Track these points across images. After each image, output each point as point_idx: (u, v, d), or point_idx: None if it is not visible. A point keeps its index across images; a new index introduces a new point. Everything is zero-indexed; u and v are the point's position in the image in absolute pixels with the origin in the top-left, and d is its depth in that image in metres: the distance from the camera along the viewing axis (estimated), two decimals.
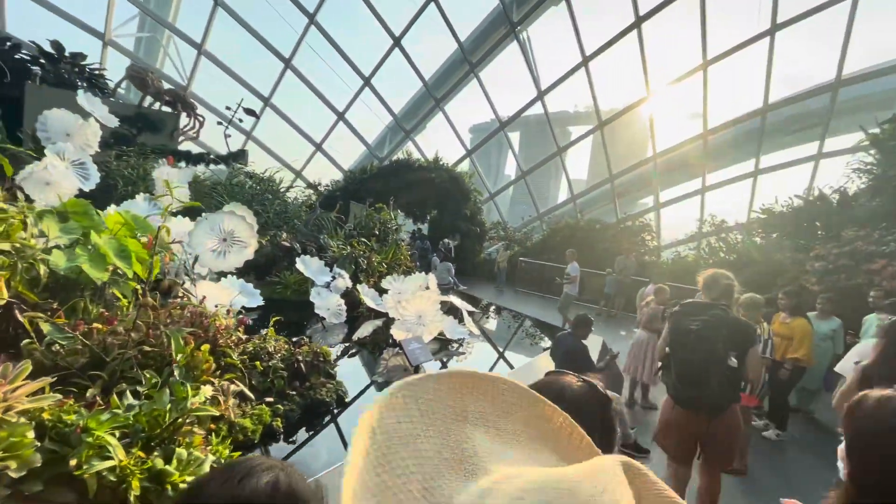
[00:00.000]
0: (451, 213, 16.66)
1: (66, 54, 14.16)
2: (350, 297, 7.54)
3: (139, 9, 15.32)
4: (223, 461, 2.34)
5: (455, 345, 6.34)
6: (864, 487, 0.94)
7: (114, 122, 6.20)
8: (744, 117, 16.47)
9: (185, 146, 13.69)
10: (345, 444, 3.33)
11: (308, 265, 7.28)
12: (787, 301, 4.94)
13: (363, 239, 8.95)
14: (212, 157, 11.40)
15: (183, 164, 10.99)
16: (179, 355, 2.93)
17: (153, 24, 16.85)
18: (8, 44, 13.63)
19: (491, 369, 5.74)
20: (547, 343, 7.24)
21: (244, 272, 8.28)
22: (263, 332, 4.20)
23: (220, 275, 7.29)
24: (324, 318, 6.76)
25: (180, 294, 4.10)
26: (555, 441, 0.50)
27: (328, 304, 6.68)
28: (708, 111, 16.21)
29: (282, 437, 3.25)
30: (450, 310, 7.77)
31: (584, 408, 0.85)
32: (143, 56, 17.75)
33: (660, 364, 4.22)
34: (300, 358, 3.82)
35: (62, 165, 5.16)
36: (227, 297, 5.20)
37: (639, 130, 19.07)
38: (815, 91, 14.97)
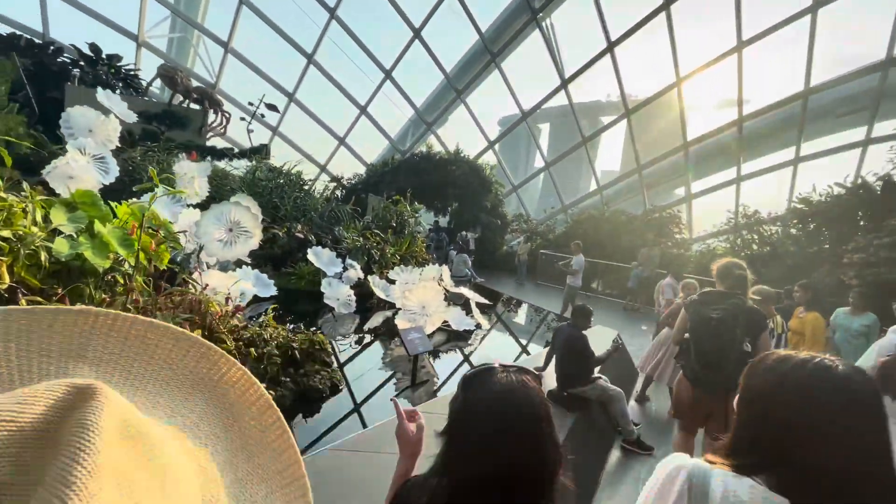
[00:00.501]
0: (472, 206, 16.55)
1: (103, 56, 14.90)
2: (363, 289, 7.62)
3: (170, 10, 15.88)
4: None
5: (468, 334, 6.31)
6: (740, 443, 0.92)
7: (133, 117, 6.41)
8: (783, 102, 15.51)
9: (213, 142, 14.18)
10: (333, 429, 3.36)
11: (319, 256, 7.38)
12: (802, 294, 4.63)
13: (377, 231, 8.99)
14: (235, 151, 11.71)
15: (209, 159, 11.38)
16: None
17: (184, 24, 17.45)
18: (51, 48, 14.43)
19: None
20: None
21: (262, 263, 8.54)
22: (261, 319, 4.27)
23: (238, 265, 7.53)
24: (334, 309, 6.85)
25: (183, 282, 4.22)
26: (215, 390, 0.45)
27: (338, 294, 6.76)
28: (743, 96, 15.37)
29: None
30: (466, 302, 7.76)
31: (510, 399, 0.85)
32: (174, 56, 18.44)
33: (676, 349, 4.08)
34: (295, 346, 3.87)
35: (83, 160, 5.41)
36: (229, 284, 5.33)
37: (671, 119, 18.32)
38: (863, 71, 13.89)
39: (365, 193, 14.80)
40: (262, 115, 13.58)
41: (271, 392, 3.40)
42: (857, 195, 9.37)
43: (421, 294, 5.47)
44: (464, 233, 14.31)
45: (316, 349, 4.02)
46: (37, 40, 14.22)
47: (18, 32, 13.86)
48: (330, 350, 4.23)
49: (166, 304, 3.57)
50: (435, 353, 5.79)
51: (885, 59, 12.66)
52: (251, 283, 7.16)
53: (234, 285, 4.85)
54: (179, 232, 4.66)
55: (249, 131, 13.05)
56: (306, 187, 10.68)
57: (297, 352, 3.83)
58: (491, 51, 16.37)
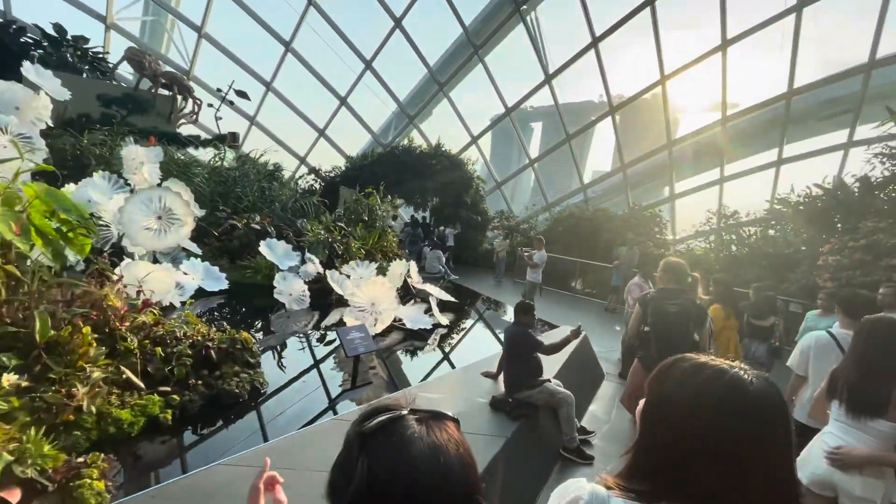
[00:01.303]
0: (452, 201, 16.22)
1: (68, 37, 14.27)
2: (323, 284, 7.26)
3: None
4: (42, 458, 2.03)
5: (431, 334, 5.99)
6: (643, 462, 0.82)
7: (66, 95, 5.98)
8: (767, 102, 15.39)
9: (185, 129, 13.65)
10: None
11: (274, 249, 7.01)
12: (714, 289, 4.93)
13: (341, 224, 8.61)
14: (202, 139, 11.23)
15: (175, 147, 10.89)
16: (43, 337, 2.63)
17: (157, 8, 16.82)
18: (13, 28, 13.75)
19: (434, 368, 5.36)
20: None
21: (218, 255, 8.13)
22: (177, 314, 3.90)
23: (190, 256, 7.11)
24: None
25: (96, 274, 3.83)
26: None
27: (290, 289, 6.39)
28: (728, 97, 15.21)
29: (169, 430, 2.94)
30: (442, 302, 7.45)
31: None
32: (147, 40, 17.81)
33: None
34: (210, 345, 3.51)
35: (3, 139, 4.97)
36: (167, 279, 4.94)
37: (659, 119, 18.13)
38: (847, 73, 13.80)
39: (344, 186, 14.38)
40: (231, 103, 13.10)
41: (174, 397, 3.05)
42: (835, 196, 9.20)
43: (370, 290, 5.13)
44: (441, 228, 13.95)
45: (237, 349, 3.66)
46: None
47: None
48: (256, 350, 3.87)
49: (62, 296, 3.19)
50: (389, 354, 5.46)
51: (868, 62, 12.55)
52: (200, 276, 6.79)
53: (159, 277, 4.44)
54: (97, 219, 4.26)
55: (217, 119, 12.56)
56: (275, 177, 10.25)
57: (212, 351, 3.46)
58: (474, 43, 16.02)
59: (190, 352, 3.41)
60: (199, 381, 3.32)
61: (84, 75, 13.83)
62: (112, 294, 3.23)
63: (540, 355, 3.93)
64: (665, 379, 0.85)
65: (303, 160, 19.78)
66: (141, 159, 7.28)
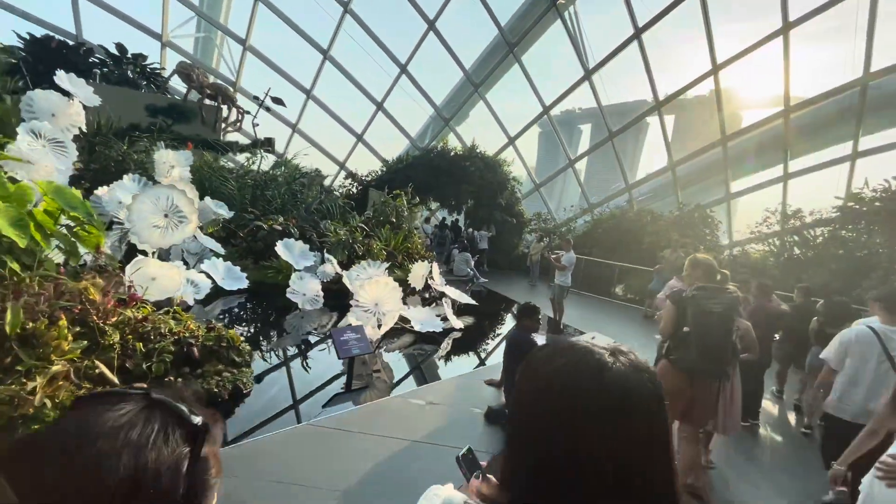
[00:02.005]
0: (487, 204, 15.86)
1: (129, 55, 15.43)
2: (342, 285, 7.20)
3: (192, 11, 16.25)
4: None
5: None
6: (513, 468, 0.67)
7: (96, 101, 6.30)
8: (837, 90, 13.81)
9: (231, 136, 14.31)
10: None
11: (291, 249, 7.02)
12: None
13: (361, 224, 8.55)
14: (240, 145, 11.67)
15: (215, 152, 11.38)
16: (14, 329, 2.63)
17: (208, 25, 17.85)
18: (83, 49, 15.05)
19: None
20: None
21: (244, 255, 8.31)
22: (164, 309, 3.87)
23: (216, 256, 7.28)
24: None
25: (99, 270, 3.90)
26: None
27: (305, 289, 6.34)
28: (790, 85, 13.81)
29: None
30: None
31: None
32: (199, 55, 18.92)
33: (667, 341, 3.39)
34: (193, 342, 3.43)
35: (37, 144, 5.28)
36: (176, 276, 5.00)
37: (714, 114, 16.79)
38: None
39: (379, 190, 14.46)
40: (268, 109, 13.53)
41: None
42: None
43: (374, 290, 4.94)
44: (471, 230, 13.63)
45: (222, 347, 3.57)
46: (69, 41, 14.89)
47: (51, 34, 14.55)
48: (244, 348, 3.77)
49: (52, 290, 3.22)
50: (396, 357, 5.24)
51: None
52: (221, 276, 6.92)
53: (169, 275, 4.48)
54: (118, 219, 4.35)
55: (255, 125, 13.04)
56: (305, 180, 10.41)
57: (195, 349, 3.39)
58: (509, 41, 15.65)
59: (173, 348, 3.35)
60: (179, 379, 3.24)
61: (142, 90, 14.88)
62: (92, 287, 3.23)
63: None
64: (529, 368, 0.72)
65: (342, 165, 20.18)
66: (171, 163, 7.59)
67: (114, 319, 3.36)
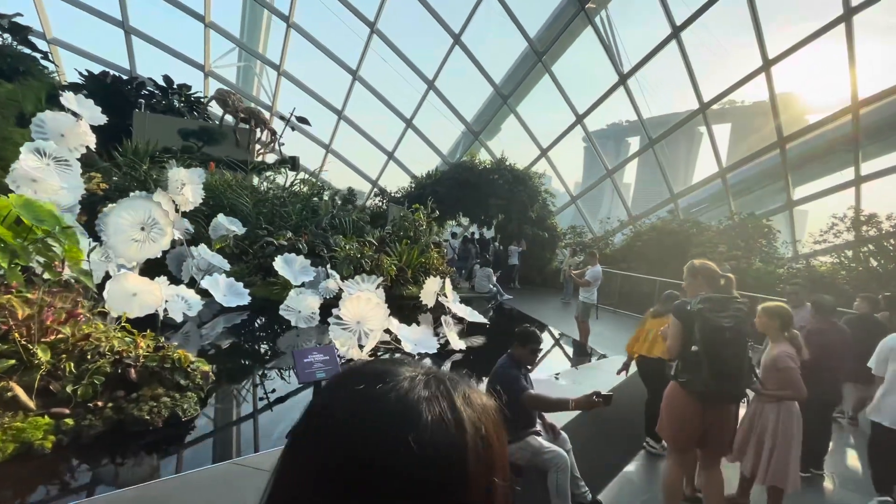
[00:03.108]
0: (517, 217, 15.20)
1: (174, 86, 16.45)
2: None
3: (232, 42, 17.16)
4: None
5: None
6: None
7: (101, 120, 6.43)
8: None
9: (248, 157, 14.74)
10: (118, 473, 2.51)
11: (291, 264, 6.79)
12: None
13: (370, 239, 8.23)
14: (264, 164, 11.89)
15: (242, 172, 11.66)
16: None
17: (247, 55, 18.80)
18: (135, 83, 16.22)
19: None
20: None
21: (255, 271, 8.21)
22: (113, 326, 3.62)
23: (217, 272, 7.20)
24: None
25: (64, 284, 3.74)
26: None
27: (300, 306, 6.04)
28: (857, 79, 12.28)
29: (44, 460, 2.54)
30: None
31: None
32: (241, 84, 19.94)
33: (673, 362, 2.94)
34: (131, 363, 3.13)
35: (41, 163, 5.39)
36: (157, 291, 4.83)
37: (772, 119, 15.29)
38: None
39: (409, 206, 14.28)
40: (293, 128, 13.80)
41: (67, 421, 2.66)
42: None
43: (356, 306, 4.51)
44: (496, 244, 13.00)
45: (165, 368, 3.24)
46: (123, 76, 16.11)
47: (107, 70, 15.81)
48: (194, 370, 3.43)
49: None
50: None
51: None
52: (222, 292, 6.78)
53: (150, 290, 4.29)
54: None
55: (280, 144, 13.30)
56: (319, 196, 10.33)
57: (133, 370, 3.08)
58: (537, 50, 15.17)
59: (109, 370, 3.06)
60: (110, 404, 2.93)
61: (185, 117, 15.74)
62: (16, 302, 3.01)
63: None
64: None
65: (375, 183, 20.32)
66: (183, 181, 7.67)
67: (52, 337, 3.13)
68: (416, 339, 5.14)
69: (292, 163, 12.27)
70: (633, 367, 4.44)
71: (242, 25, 19.88)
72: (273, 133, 14.83)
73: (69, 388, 2.87)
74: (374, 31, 15.66)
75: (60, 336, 3.13)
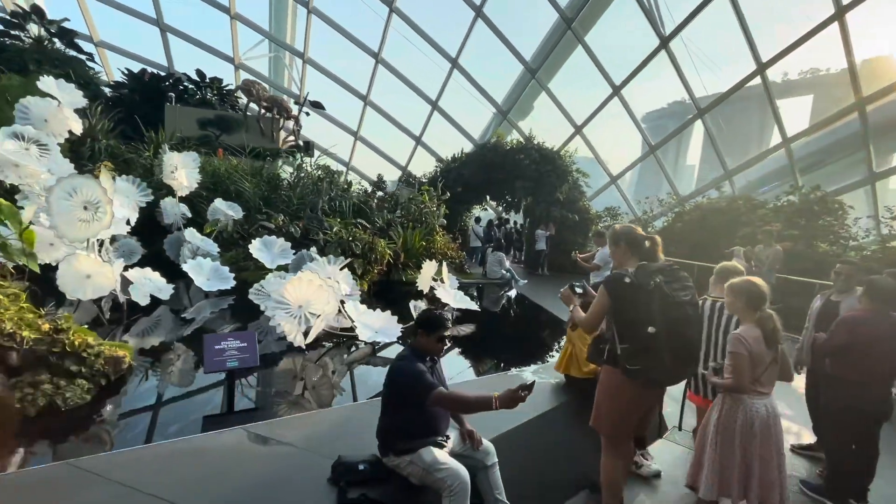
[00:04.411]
0: (545, 199, 14.21)
1: (207, 80, 16.94)
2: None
3: (259, 33, 17.38)
4: None
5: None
6: None
7: (81, 104, 6.43)
8: None
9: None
10: None
11: (270, 247, 6.53)
12: None
13: (360, 221, 7.81)
14: (281, 150, 11.86)
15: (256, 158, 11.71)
16: None
17: (276, 46, 19.01)
18: (172, 79, 16.89)
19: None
20: None
21: (249, 257, 8.08)
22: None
23: (205, 257, 7.08)
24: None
25: None
26: None
27: (271, 289, 5.74)
28: None
29: None
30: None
31: None
32: (272, 75, 20.25)
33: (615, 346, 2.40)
34: (12, 345, 2.89)
35: (14, 146, 5.42)
36: (110, 274, 4.69)
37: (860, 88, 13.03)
38: None
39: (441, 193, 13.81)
40: (307, 113, 13.68)
41: None
42: None
43: (297, 289, 4.08)
44: (508, 226, 12.17)
45: (54, 352, 2.98)
46: (161, 73, 16.81)
47: (146, 68, 16.56)
48: (90, 356, 3.15)
49: None
50: (337, 371, 4.31)
51: None
52: (206, 276, 6.66)
53: (104, 273, 4.14)
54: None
55: (297, 130, 13.24)
56: (330, 180, 10.07)
57: (14, 354, 2.84)
58: (565, 17, 13.97)
59: None
60: None
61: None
62: None
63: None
64: None
65: (404, 169, 19.98)
66: (177, 165, 7.65)
67: None
68: (377, 326, 4.65)
69: (307, 147, 12.15)
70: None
71: (270, 16, 20.12)
72: (296, 120, 14.87)
73: None
74: (393, 9, 15.15)
75: None
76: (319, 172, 9.55)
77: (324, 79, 17.93)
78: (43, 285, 4.51)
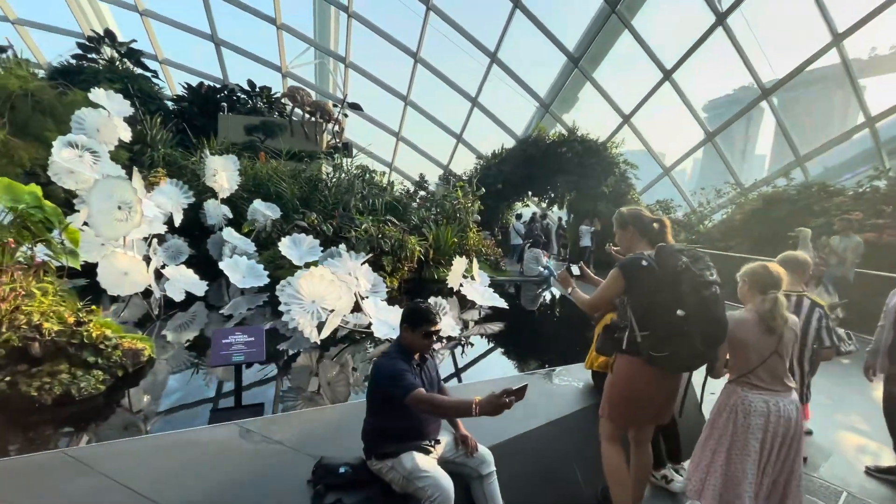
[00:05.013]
0: (590, 194, 13.54)
1: (257, 89, 17.80)
2: None
3: (305, 42, 18.00)
4: None
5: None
6: None
7: (128, 112, 6.81)
8: None
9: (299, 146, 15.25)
10: None
11: (299, 244, 6.61)
12: None
13: (390, 218, 7.74)
14: (319, 151, 12.16)
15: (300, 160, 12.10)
16: None
17: (321, 53, 19.63)
18: (226, 90, 17.90)
19: None
20: None
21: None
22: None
23: (242, 254, 7.33)
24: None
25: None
26: None
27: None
28: None
29: None
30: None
31: None
32: (318, 81, 20.92)
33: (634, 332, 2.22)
34: (34, 335, 3.03)
35: (71, 154, 5.86)
36: (143, 270, 4.93)
37: None
38: None
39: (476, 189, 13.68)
40: (346, 115, 13.91)
41: None
42: None
43: (310, 283, 4.04)
44: (545, 222, 11.64)
45: (73, 344, 3.10)
46: (216, 85, 17.88)
47: (203, 81, 17.66)
48: (108, 347, 3.25)
49: None
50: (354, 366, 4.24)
51: None
52: (241, 273, 6.87)
53: (139, 269, 4.35)
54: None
55: (336, 131, 13.51)
56: (366, 179, 10.18)
57: (36, 344, 2.98)
58: (610, 1, 13.23)
59: (18, 343, 3.00)
60: (8, 378, 2.85)
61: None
62: None
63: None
64: None
65: (445, 168, 19.93)
66: (218, 168, 7.99)
67: None
68: (396, 323, 4.52)
69: (345, 147, 12.37)
70: None
71: (314, 24, 20.81)
72: (338, 123, 15.24)
73: None
74: (430, 7, 15.10)
75: None
76: (355, 171, 9.64)
77: (366, 81, 18.31)
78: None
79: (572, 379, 3.69)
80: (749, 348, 2.24)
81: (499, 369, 4.78)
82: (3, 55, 11.70)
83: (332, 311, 4.11)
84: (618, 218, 2.48)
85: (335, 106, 13.56)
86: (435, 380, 2.35)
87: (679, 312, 2.07)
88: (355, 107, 13.97)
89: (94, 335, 3.27)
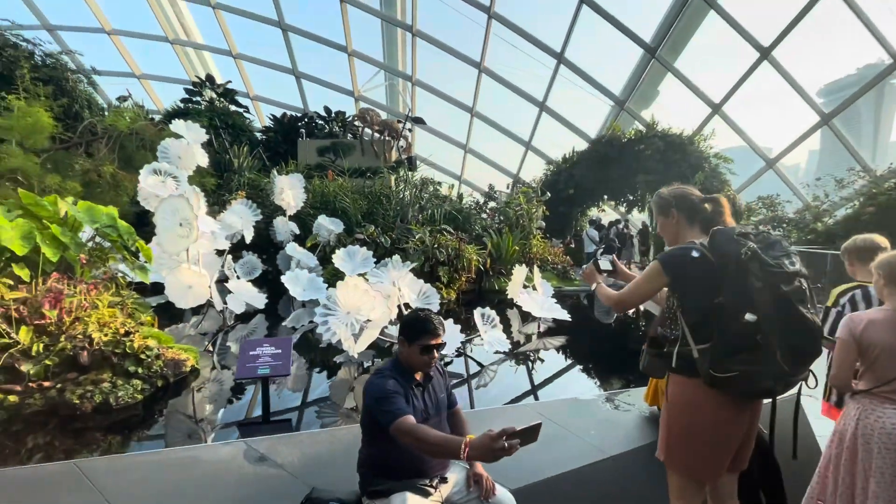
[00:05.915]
0: None
1: (332, 114, 18.93)
2: None
3: (375, 65, 18.84)
4: None
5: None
6: None
7: (204, 138, 7.34)
8: None
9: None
10: None
11: (353, 256, 6.58)
12: None
13: (446, 227, 7.47)
14: (382, 167, 12.44)
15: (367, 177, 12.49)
16: None
17: (390, 75, 20.38)
18: (306, 118, 19.30)
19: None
20: None
21: None
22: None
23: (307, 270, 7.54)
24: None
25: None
26: None
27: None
28: None
29: None
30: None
31: None
32: (388, 102, 21.71)
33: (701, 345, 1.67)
34: (85, 345, 3.18)
35: (155, 180, 6.47)
36: (206, 283, 5.17)
37: None
38: None
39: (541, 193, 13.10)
40: (410, 129, 14.08)
41: (12, 398, 2.80)
42: None
43: (346, 294, 3.87)
44: (621, 226, 10.50)
45: (116, 353, 3.21)
46: (297, 114, 19.35)
47: (285, 111, 19.21)
48: (149, 357, 3.33)
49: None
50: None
51: None
52: (301, 287, 7.05)
53: (201, 283, 4.61)
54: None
55: (401, 148, 13.72)
56: (433, 192, 10.14)
57: (85, 353, 3.13)
58: None
59: (69, 348, 3.18)
60: (58, 385, 3.01)
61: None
62: (1, 286, 3.36)
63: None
64: None
65: (515, 177, 19.42)
66: (284, 187, 8.40)
67: (49, 319, 3.42)
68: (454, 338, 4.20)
69: (409, 162, 12.51)
70: None
71: (383, 47, 21.71)
72: (406, 140, 15.58)
73: (24, 368, 3.06)
74: (492, 15, 14.91)
75: (50, 320, 3.42)
76: (417, 183, 9.63)
77: (433, 97, 18.58)
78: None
79: (633, 406, 3.05)
80: (890, 354, 1.80)
81: (551, 390, 4.20)
82: (124, 104, 13.67)
83: (367, 320, 3.91)
84: (657, 202, 1.97)
85: (400, 122, 13.85)
86: (441, 403, 1.97)
87: (748, 317, 1.54)
88: (418, 121, 14.17)
89: (135, 345, 3.40)
